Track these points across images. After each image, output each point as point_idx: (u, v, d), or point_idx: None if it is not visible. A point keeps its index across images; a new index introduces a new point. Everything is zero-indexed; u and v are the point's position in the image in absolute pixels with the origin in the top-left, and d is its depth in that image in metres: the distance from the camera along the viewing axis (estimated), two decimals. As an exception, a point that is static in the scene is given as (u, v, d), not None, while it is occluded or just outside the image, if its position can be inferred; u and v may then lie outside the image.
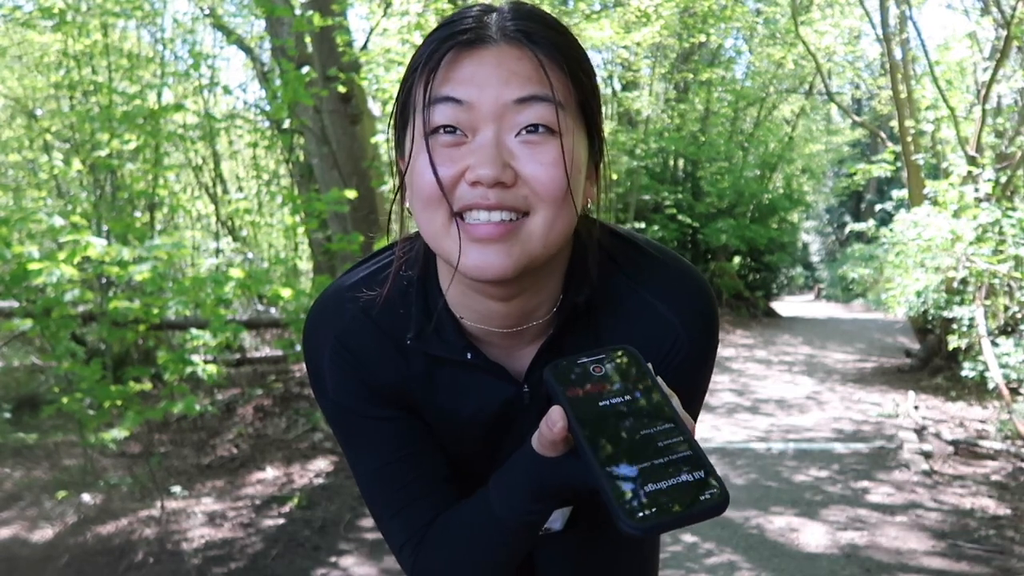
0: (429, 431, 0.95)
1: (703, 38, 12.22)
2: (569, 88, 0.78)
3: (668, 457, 0.64)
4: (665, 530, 0.60)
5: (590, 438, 0.66)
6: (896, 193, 8.63)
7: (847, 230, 11.68)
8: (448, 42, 0.76)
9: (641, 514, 0.60)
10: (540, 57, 0.75)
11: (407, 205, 0.85)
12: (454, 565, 0.90)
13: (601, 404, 0.69)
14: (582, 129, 0.80)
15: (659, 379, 0.73)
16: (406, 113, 0.81)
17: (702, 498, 0.61)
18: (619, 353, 0.75)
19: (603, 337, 0.90)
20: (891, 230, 6.89)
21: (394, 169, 0.88)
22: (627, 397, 0.70)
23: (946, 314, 6.22)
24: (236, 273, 4.07)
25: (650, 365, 0.74)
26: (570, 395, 0.70)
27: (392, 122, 0.85)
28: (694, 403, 0.96)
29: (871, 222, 8.44)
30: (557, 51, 0.77)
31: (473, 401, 0.92)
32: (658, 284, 0.90)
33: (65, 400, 3.58)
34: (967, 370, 5.76)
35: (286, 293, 4.12)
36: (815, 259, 28.97)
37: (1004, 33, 6.34)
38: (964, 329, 6.01)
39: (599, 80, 0.85)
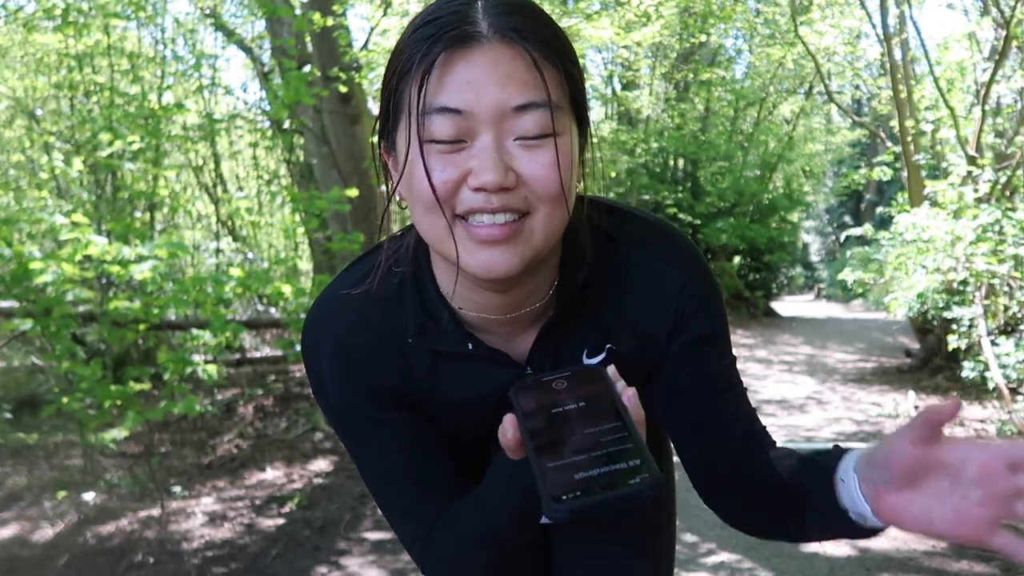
0: (433, 428, 0.96)
1: (703, 38, 12.21)
2: (563, 86, 0.78)
3: (607, 449, 0.65)
4: (590, 514, 0.61)
5: (532, 435, 0.69)
6: (897, 197, 8.62)
7: (844, 235, 11.67)
8: (437, 43, 0.74)
9: (565, 496, 0.61)
10: (534, 56, 0.75)
11: (401, 202, 0.86)
12: (459, 555, 0.93)
13: (553, 411, 0.72)
14: (575, 122, 0.81)
15: (619, 388, 0.74)
16: (396, 113, 0.79)
17: (631, 482, 0.62)
18: (582, 371, 0.79)
19: (611, 314, 0.92)
20: (891, 233, 6.87)
21: (377, 161, 0.89)
22: (581, 404, 0.73)
23: (946, 315, 6.21)
24: (236, 273, 4.07)
25: (618, 384, 0.75)
26: (525, 406, 0.74)
27: (379, 119, 0.84)
28: (726, 352, 0.97)
29: (867, 226, 8.44)
30: (549, 47, 0.76)
31: (476, 390, 0.92)
32: (657, 246, 0.93)
33: (65, 400, 3.57)
34: (967, 371, 5.75)
35: (287, 290, 4.12)
36: (815, 259, 28.97)
37: (1004, 33, 6.34)
38: (964, 330, 6.00)
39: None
